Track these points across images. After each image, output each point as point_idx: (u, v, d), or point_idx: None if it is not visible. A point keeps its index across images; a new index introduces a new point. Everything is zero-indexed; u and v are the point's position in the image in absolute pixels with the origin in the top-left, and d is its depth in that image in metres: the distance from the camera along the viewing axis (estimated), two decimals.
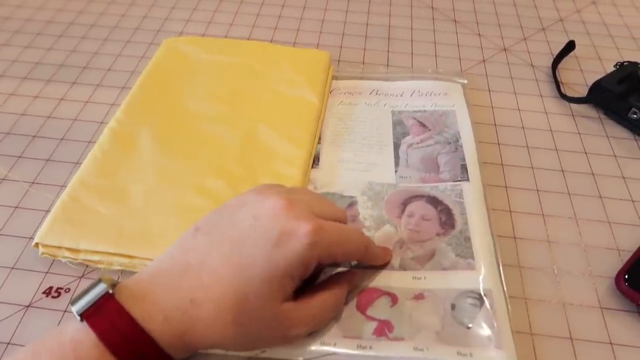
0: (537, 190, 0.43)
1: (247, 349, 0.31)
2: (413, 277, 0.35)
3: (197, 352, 0.32)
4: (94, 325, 0.25)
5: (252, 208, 0.30)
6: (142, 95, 0.47)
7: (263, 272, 0.28)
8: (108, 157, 0.41)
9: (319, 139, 0.45)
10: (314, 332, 0.32)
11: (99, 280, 0.27)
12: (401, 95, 0.49)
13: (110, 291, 0.27)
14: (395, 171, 0.42)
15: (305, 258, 0.28)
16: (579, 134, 0.48)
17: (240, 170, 0.41)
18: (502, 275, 0.35)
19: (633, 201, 0.42)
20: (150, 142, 0.42)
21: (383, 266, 0.36)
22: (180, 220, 0.37)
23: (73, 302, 0.26)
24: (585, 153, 0.46)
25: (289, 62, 0.50)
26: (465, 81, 0.51)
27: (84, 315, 0.26)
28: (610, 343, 0.34)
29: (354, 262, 0.36)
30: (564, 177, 0.44)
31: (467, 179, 0.41)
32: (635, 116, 0.47)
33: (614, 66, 0.52)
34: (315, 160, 0.43)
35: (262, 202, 0.30)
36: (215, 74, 0.49)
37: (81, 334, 0.26)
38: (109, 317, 0.26)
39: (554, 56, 0.55)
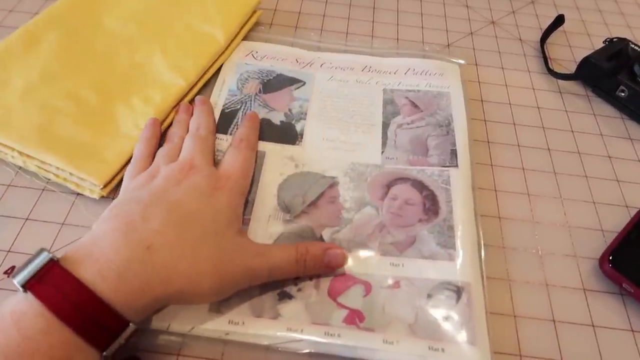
0: (523, 169, 0.42)
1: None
2: (391, 264, 0.34)
3: (160, 328, 0.30)
4: (38, 294, 0.24)
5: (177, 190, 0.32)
6: (66, 4, 0.47)
7: (207, 213, 0.31)
8: (9, 50, 0.43)
9: (292, 109, 0.43)
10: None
11: (42, 250, 0.26)
12: (395, 73, 0.47)
13: (55, 258, 0.26)
14: (382, 152, 0.41)
15: (232, 201, 0.33)
16: (566, 111, 0.47)
17: (117, 88, 0.42)
18: (484, 269, 0.34)
19: (618, 181, 0.42)
20: (52, 45, 0.44)
21: None
22: (40, 113, 0.39)
23: (15, 274, 0.25)
24: (572, 131, 0.45)
25: None
26: (463, 61, 0.48)
27: (27, 286, 0.25)
28: (593, 325, 0.34)
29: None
30: (550, 155, 0.43)
31: (456, 165, 0.39)
32: (623, 94, 0.46)
33: (603, 42, 0.51)
34: (299, 137, 0.41)
35: (184, 182, 0.33)
36: None
37: (23, 304, 0.25)
38: (54, 283, 0.25)
39: (543, 30, 0.54)
